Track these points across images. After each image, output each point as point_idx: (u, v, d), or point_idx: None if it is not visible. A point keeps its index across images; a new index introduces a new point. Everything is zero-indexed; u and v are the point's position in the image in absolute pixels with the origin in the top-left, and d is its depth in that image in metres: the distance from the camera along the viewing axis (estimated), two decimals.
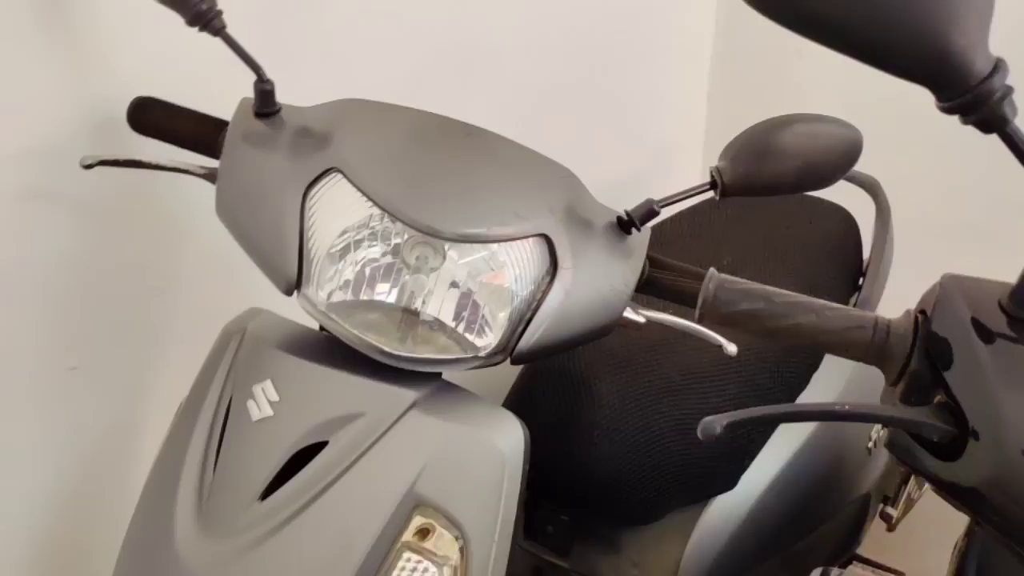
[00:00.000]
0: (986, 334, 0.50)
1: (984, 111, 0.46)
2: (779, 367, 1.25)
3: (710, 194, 0.87)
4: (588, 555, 1.27)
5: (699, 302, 0.64)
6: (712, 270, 0.65)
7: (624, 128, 1.64)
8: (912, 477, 1.49)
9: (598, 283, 0.84)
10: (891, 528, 1.44)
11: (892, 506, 1.47)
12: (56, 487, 1.05)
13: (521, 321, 0.81)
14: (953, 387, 0.50)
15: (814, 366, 1.27)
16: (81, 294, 1.00)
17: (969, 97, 0.46)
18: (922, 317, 0.56)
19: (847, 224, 1.47)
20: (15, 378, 0.99)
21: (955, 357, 0.51)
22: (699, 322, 0.66)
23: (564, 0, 1.44)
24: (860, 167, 1.54)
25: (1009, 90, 0.46)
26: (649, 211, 0.86)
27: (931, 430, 0.50)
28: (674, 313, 0.91)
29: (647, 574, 1.21)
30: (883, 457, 1.49)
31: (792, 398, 1.27)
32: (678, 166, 1.79)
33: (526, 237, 0.80)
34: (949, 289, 0.54)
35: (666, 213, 0.92)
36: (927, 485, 1.35)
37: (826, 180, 0.88)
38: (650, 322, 0.90)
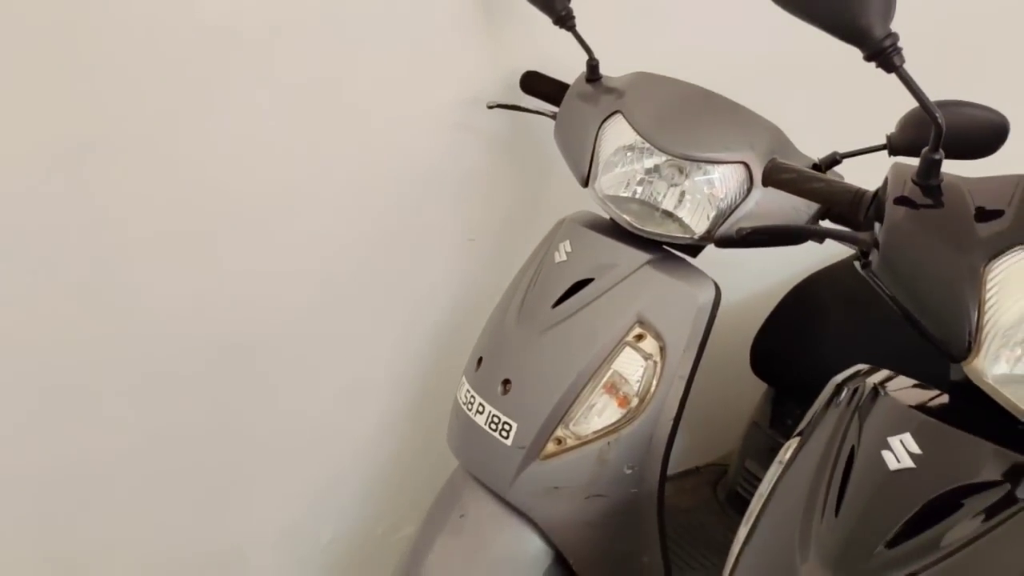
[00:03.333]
0: (899, 197, 0.86)
1: (884, 58, 0.83)
2: None
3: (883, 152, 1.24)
4: None
5: (761, 173, 1.05)
6: (774, 157, 1.05)
7: None
8: None
9: (782, 201, 1.24)
10: None
11: None
12: (447, 320, 1.68)
13: (723, 218, 1.25)
14: (877, 224, 0.88)
15: None
16: (480, 191, 1.60)
17: (875, 50, 0.83)
18: (880, 190, 0.92)
19: None
20: (434, 245, 1.61)
21: (885, 209, 0.88)
22: (763, 184, 1.06)
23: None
24: None
25: (898, 49, 0.82)
26: (833, 160, 1.25)
27: (863, 243, 0.88)
28: None
29: None
30: None
31: None
32: None
33: (732, 163, 1.24)
34: (892, 172, 0.90)
35: None
36: None
37: (974, 153, 1.17)
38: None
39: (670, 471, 1.85)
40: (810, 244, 1.44)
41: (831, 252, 1.67)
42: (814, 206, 1.25)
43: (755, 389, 1.78)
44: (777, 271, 1.83)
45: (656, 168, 1.27)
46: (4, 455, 1.36)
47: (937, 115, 0.84)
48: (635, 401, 1.24)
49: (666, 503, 1.34)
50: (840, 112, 1.60)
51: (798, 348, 1.63)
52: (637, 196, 1.27)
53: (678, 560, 1.56)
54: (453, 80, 1.50)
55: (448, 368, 1.55)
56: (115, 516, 1.50)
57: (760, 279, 1.86)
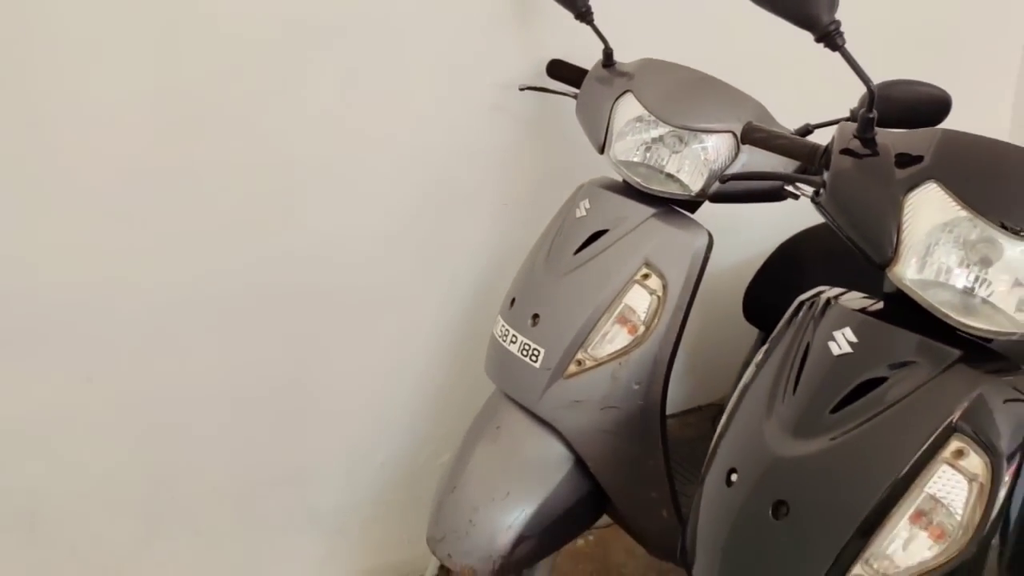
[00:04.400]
0: (844, 149, 1.12)
1: (830, 40, 1.08)
2: None
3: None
4: None
5: (740, 132, 1.31)
6: (749, 120, 1.31)
7: None
8: None
9: (764, 165, 1.50)
10: None
11: None
12: (484, 273, 1.94)
13: (715, 178, 1.51)
14: (826, 170, 1.14)
15: None
16: (512, 162, 1.87)
17: (822, 33, 1.09)
18: (829, 144, 1.19)
19: None
20: (470, 210, 1.88)
21: (832, 157, 1.14)
22: (741, 142, 1.32)
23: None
24: None
25: (841, 32, 1.07)
26: (806, 130, 1.51)
27: (815, 184, 1.14)
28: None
29: None
30: None
31: None
32: None
33: (723, 132, 1.50)
34: (839, 130, 1.16)
35: None
36: None
37: (926, 122, 1.40)
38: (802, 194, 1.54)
39: (676, 409, 2.12)
40: (793, 216, 1.70)
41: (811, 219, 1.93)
42: (789, 169, 1.51)
43: (748, 337, 2.04)
44: (765, 239, 2.08)
45: (660, 137, 1.54)
46: (119, 384, 1.64)
47: (870, 83, 1.10)
48: (642, 329, 1.50)
49: (672, 436, 1.58)
50: (814, 91, 1.85)
51: (783, 296, 1.87)
52: (645, 161, 1.54)
53: (680, 477, 1.82)
54: (489, 67, 1.77)
55: (485, 317, 1.82)
56: (202, 438, 1.78)
57: (750, 246, 2.12)
